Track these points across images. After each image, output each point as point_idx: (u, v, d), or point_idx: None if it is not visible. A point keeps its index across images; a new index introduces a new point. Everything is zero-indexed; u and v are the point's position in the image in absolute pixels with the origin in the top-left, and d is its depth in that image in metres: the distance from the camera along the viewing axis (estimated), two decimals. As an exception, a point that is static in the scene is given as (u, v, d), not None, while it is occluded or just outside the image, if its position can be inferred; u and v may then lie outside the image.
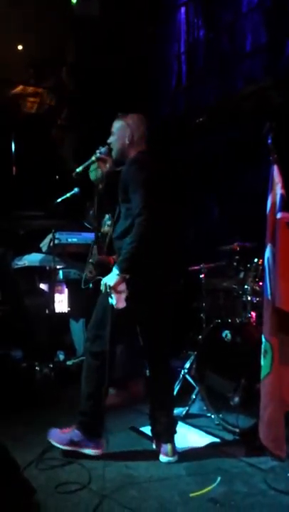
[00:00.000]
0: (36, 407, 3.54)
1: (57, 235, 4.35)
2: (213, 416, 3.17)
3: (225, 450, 2.82)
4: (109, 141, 2.89)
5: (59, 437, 2.72)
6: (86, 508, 2.18)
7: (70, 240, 4.61)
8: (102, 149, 2.91)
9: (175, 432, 2.78)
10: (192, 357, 3.69)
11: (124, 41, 6.09)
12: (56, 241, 4.33)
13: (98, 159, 2.93)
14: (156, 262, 2.66)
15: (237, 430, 2.94)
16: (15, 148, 5.65)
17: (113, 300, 2.51)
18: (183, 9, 6.08)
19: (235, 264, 3.71)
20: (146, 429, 3.05)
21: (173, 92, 6.17)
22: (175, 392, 3.45)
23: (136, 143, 2.81)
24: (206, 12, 5.83)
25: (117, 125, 2.87)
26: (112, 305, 2.55)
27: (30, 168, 5.43)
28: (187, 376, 3.61)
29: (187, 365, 3.67)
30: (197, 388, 3.41)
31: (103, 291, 2.56)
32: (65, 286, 4.93)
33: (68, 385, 3.90)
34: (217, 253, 4.10)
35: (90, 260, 3.67)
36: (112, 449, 2.82)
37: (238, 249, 3.74)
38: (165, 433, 2.74)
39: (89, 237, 4.45)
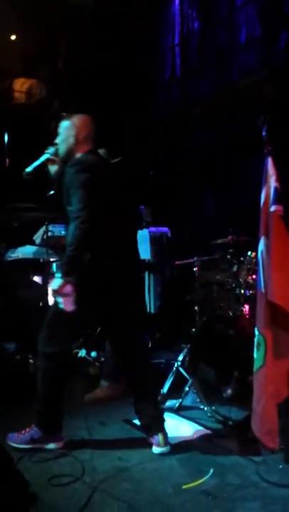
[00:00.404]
0: (29, 400, 3.52)
1: (50, 228, 4.33)
2: (206, 408, 3.17)
3: (217, 442, 2.83)
4: (56, 141, 2.85)
5: (19, 439, 2.72)
6: (79, 501, 2.19)
7: (63, 232, 4.57)
8: (51, 149, 2.88)
9: (164, 421, 2.78)
10: (185, 349, 3.69)
11: (118, 31, 6.04)
12: (50, 233, 4.31)
13: (47, 160, 2.90)
14: (103, 262, 2.63)
15: (230, 422, 2.96)
16: (8, 140, 5.60)
17: (61, 304, 2.52)
18: (177, 0, 6.04)
19: (228, 257, 3.72)
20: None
21: (167, 84, 6.15)
22: (168, 385, 3.45)
23: (82, 142, 2.77)
24: (200, 4, 5.80)
25: (63, 125, 2.84)
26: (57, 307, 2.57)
27: (23, 159, 5.37)
28: (180, 369, 3.62)
29: (180, 358, 3.68)
30: (190, 380, 3.42)
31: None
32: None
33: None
34: (211, 246, 4.11)
35: None
36: (105, 441, 2.83)
37: (231, 242, 3.75)
38: (154, 424, 2.75)
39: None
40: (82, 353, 4.32)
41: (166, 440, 2.71)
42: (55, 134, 2.84)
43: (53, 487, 2.32)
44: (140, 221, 5.20)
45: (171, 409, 3.27)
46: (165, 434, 2.72)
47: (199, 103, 5.58)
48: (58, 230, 4.53)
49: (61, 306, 2.52)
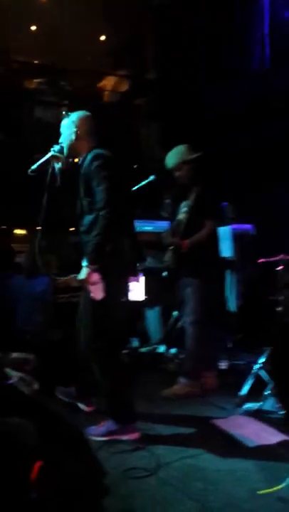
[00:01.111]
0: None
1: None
2: (285, 414, 3.07)
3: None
4: (60, 140, 2.94)
5: (97, 431, 2.80)
6: (153, 496, 2.22)
7: (144, 228, 4.66)
8: (56, 147, 2.94)
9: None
10: (267, 352, 3.59)
11: (204, 25, 5.97)
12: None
13: (52, 157, 2.95)
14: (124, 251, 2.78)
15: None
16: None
17: (91, 293, 2.61)
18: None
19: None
20: (217, 421, 3.04)
21: (256, 76, 5.98)
22: (247, 387, 3.39)
23: (83, 138, 2.89)
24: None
25: (63, 124, 2.95)
26: (93, 300, 2.63)
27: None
28: (261, 371, 3.53)
29: (261, 360, 3.58)
30: (271, 384, 3.32)
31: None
32: (141, 275, 4.99)
33: (141, 371, 3.96)
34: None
35: (170, 247, 3.71)
36: (181, 439, 2.84)
37: None
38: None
39: (163, 225, 4.46)
40: (162, 349, 4.37)
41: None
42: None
43: (129, 479, 2.37)
44: (223, 218, 5.12)
45: (250, 413, 3.21)
46: None
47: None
48: (139, 225, 4.57)
49: (92, 295, 2.61)
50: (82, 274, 2.63)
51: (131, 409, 2.84)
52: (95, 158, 2.78)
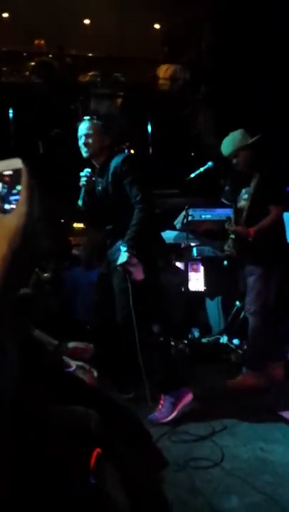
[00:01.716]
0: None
1: (190, 212, 4.29)
2: None
3: None
4: (83, 142, 3.00)
5: (162, 414, 2.81)
6: (217, 487, 2.11)
7: (203, 216, 4.54)
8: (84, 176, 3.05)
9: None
10: None
11: (263, 14, 5.74)
12: (190, 218, 4.28)
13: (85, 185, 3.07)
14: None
15: None
16: (151, 129, 5.70)
17: (131, 275, 2.82)
18: None
19: None
20: (285, 413, 2.87)
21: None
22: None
23: (110, 140, 3.06)
24: None
25: (89, 126, 3.01)
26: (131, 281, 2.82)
27: (165, 146, 5.44)
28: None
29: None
30: None
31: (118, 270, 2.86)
32: (200, 265, 4.88)
33: (202, 362, 3.84)
34: None
35: (231, 236, 3.56)
36: (247, 430, 2.71)
37: None
38: None
39: (223, 213, 4.31)
40: (224, 339, 4.23)
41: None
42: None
43: (192, 469, 2.28)
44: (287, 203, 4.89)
45: None
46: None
47: None
48: (198, 214, 4.49)
49: (132, 277, 2.81)
50: (123, 258, 2.82)
51: (175, 374, 2.99)
52: (125, 161, 2.96)
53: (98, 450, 1.79)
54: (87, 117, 3.03)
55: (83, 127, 3.01)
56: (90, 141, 2.99)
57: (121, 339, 2.99)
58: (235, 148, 3.54)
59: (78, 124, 3.05)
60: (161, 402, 2.86)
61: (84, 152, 3.02)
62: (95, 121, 3.02)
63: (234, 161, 3.59)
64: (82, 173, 3.04)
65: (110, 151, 3.05)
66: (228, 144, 3.59)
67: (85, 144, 2.99)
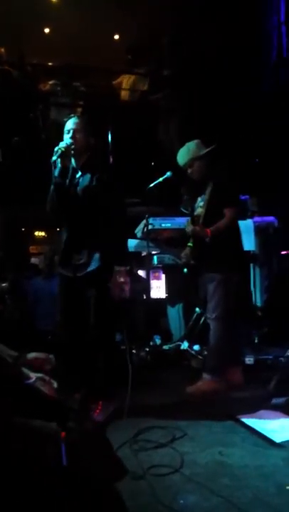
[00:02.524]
0: (132, 390, 3.57)
1: (150, 221, 4.35)
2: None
3: None
4: (71, 136, 3.02)
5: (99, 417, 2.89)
6: (177, 492, 2.14)
7: (163, 225, 4.60)
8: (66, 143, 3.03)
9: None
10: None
11: (221, 17, 5.88)
12: (150, 226, 4.33)
13: (65, 149, 3.02)
14: None
15: None
16: (111, 138, 5.73)
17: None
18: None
19: None
20: (243, 417, 2.94)
21: (274, 65, 5.87)
22: (275, 382, 3.29)
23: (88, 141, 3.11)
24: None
25: (75, 125, 3.03)
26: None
27: (126, 155, 5.49)
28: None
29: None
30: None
31: None
32: (161, 273, 4.94)
33: (164, 369, 3.88)
34: None
35: (189, 244, 3.62)
36: (206, 435, 2.76)
37: None
38: None
39: (182, 222, 4.39)
40: (185, 345, 4.29)
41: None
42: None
43: (152, 477, 2.30)
44: (244, 211, 5.02)
45: (277, 407, 3.09)
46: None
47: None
48: (158, 222, 4.55)
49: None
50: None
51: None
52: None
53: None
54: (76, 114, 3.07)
55: (71, 122, 3.04)
56: (78, 136, 3.00)
57: (88, 348, 3.01)
58: (189, 159, 3.63)
59: (65, 121, 3.08)
60: (100, 407, 2.93)
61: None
62: (82, 118, 3.06)
63: (189, 170, 3.67)
64: (60, 144, 2.97)
65: (92, 152, 3.07)
66: (182, 155, 3.68)
67: (73, 138, 3.00)
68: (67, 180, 3.07)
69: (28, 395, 2.35)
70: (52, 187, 3.03)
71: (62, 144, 2.97)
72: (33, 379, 2.47)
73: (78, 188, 3.05)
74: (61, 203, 3.02)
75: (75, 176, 3.08)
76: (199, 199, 3.69)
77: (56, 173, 2.99)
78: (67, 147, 2.96)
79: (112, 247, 2.96)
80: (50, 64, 6.17)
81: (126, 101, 6.36)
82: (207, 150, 3.60)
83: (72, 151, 3.01)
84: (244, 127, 5.76)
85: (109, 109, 5.77)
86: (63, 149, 2.94)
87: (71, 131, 3.02)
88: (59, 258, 3.20)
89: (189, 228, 3.60)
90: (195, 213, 3.73)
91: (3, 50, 5.84)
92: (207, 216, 3.57)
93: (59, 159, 2.95)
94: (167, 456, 2.51)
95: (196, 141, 3.67)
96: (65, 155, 2.96)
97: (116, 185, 3.05)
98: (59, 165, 2.96)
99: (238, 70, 5.73)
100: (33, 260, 4.96)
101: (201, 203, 3.65)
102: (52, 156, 2.97)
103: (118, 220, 2.98)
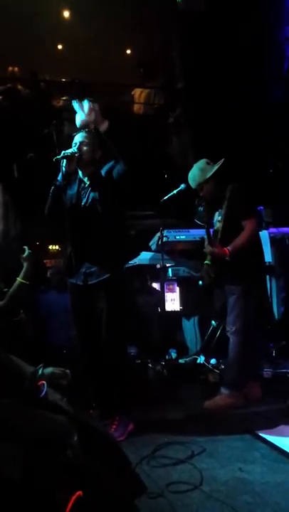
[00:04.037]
0: (148, 404, 3.53)
1: (165, 233, 4.33)
2: None
3: None
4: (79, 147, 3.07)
5: (116, 433, 2.86)
6: (196, 509, 2.09)
7: (178, 237, 4.58)
8: (74, 149, 3.05)
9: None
10: None
11: (232, 31, 5.92)
12: (164, 239, 4.31)
13: (71, 155, 3.04)
14: None
15: None
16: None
17: None
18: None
19: None
20: (263, 432, 2.87)
21: (286, 77, 5.88)
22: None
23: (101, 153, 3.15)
24: None
25: (87, 135, 3.09)
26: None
27: (140, 168, 5.50)
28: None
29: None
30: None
31: None
32: (176, 285, 4.90)
33: (180, 383, 3.83)
34: None
35: (206, 262, 3.58)
36: (225, 451, 2.70)
37: None
38: None
39: (197, 233, 4.37)
40: (201, 359, 4.24)
41: None
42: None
43: (171, 493, 2.25)
44: (260, 222, 4.98)
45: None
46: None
47: None
48: (172, 235, 4.53)
49: None
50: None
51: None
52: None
53: (79, 493, 1.77)
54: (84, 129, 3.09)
55: (79, 136, 3.09)
56: (85, 148, 3.05)
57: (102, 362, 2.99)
58: (197, 184, 3.63)
59: (74, 135, 3.13)
60: (116, 422, 2.92)
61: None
62: (90, 133, 3.09)
63: (201, 194, 3.67)
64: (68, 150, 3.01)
65: (100, 164, 3.10)
66: (191, 180, 3.69)
67: (79, 150, 3.04)
68: (75, 189, 3.12)
69: (48, 409, 2.32)
70: (52, 188, 3.09)
71: (68, 150, 3.02)
72: (44, 392, 2.45)
73: (84, 198, 3.09)
74: (57, 206, 3.05)
75: (81, 185, 3.13)
76: (217, 213, 3.67)
77: (60, 176, 3.04)
78: (73, 153, 3.01)
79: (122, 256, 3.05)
80: (63, 80, 6.26)
81: (139, 114, 6.41)
82: (213, 170, 3.58)
83: (78, 161, 3.05)
84: (257, 138, 5.75)
85: (121, 122, 5.80)
86: (69, 154, 3.00)
87: (78, 144, 3.07)
88: (64, 268, 3.20)
89: (208, 249, 3.56)
90: (215, 228, 3.70)
91: (16, 69, 5.95)
92: (225, 230, 3.53)
93: (64, 160, 2.99)
94: (186, 473, 2.46)
95: (200, 164, 3.65)
96: (70, 159, 3.01)
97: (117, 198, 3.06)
98: (63, 168, 3.01)
99: (250, 81, 5.74)
100: (49, 274, 4.96)
101: (219, 217, 3.62)
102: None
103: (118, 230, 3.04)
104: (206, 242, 3.63)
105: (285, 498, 2.14)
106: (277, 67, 5.90)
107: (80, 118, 2.97)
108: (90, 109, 2.91)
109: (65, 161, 2.98)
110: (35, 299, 4.31)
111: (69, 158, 2.99)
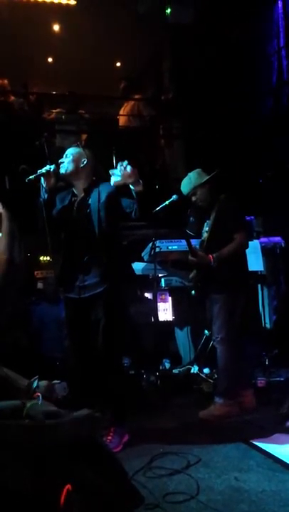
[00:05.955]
0: (143, 415, 3.53)
1: (157, 243, 4.35)
2: None
3: None
4: (61, 160, 3.13)
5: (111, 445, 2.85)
6: (194, 520, 2.09)
7: (170, 247, 4.60)
8: (52, 167, 3.07)
9: None
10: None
11: (220, 43, 6.02)
12: (157, 249, 4.33)
13: (46, 173, 3.06)
14: None
15: None
16: (115, 162, 5.79)
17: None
18: (280, 3, 5.88)
19: None
20: (258, 441, 2.88)
21: (275, 89, 5.98)
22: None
23: (87, 170, 3.17)
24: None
25: (72, 150, 3.17)
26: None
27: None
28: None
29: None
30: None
31: None
32: (168, 295, 4.92)
33: (174, 393, 3.83)
34: None
35: (194, 271, 3.62)
36: (221, 460, 2.70)
37: None
38: None
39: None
40: (195, 369, 4.24)
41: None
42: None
43: (168, 504, 2.25)
44: (250, 232, 5.03)
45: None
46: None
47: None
48: (165, 245, 4.55)
49: None
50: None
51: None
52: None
53: (68, 486, 1.79)
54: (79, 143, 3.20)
55: (70, 150, 3.16)
56: (71, 158, 3.10)
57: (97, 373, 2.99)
58: (191, 187, 3.69)
59: (67, 147, 3.21)
60: (111, 433, 2.92)
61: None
62: (78, 148, 3.17)
63: (193, 198, 3.73)
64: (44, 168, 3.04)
65: (92, 181, 3.14)
66: (185, 184, 3.75)
67: (68, 164, 3.10)
68: (67, 202, 3.15)
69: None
70: (39, 203, 3.10)
71: (45, 168, 3.04)
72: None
73: (77, 211, 3.11)
74: (47, 219, 3.06)
75: (73, 199, 3.15)
76: (205, 224, 3.73)
77: (42, 192, 3.07)
78: (47, 171, 3.03)
79: (117, 267, 3.01)
80: (54, 93, 6.29)
81: (128, 126, 6.46)
82: (208, 177, 3.66)
83: (58, 174, 3.11)
84: (247, 149, 5.82)
85: (112, 135, 5.86)
86: (44, 172, 3.02)
87: (65, 155, 3.14)
88: (57, 280, 3.22)
89: (190, 260, 3.62)
90: (202, 238, 3.75)
91: (6, 81, 5.97)
92: (210, 240, 3.60)
93: (42, 178, 3.03)
94: (182, 483, 2.46)
95: (197, 170, 3.75)
96: (46, 176, 3.03)
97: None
98: (43, 184, 3.05)
99: (240, 93, 5.82)
100: (39, 285, 4.95)
101: (206, 228, 3.68)
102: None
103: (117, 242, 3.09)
104: (189, 254, 3.69)
105: (282, 507, 2.15)
106: (267, 79, 5.99)
107: (114, 179, 2.99)
108: (132, 171, 2.92)
109: (42, 178, 3.03)
110: (27, 310, 4.30)
111: (44, 175, 3.03)
